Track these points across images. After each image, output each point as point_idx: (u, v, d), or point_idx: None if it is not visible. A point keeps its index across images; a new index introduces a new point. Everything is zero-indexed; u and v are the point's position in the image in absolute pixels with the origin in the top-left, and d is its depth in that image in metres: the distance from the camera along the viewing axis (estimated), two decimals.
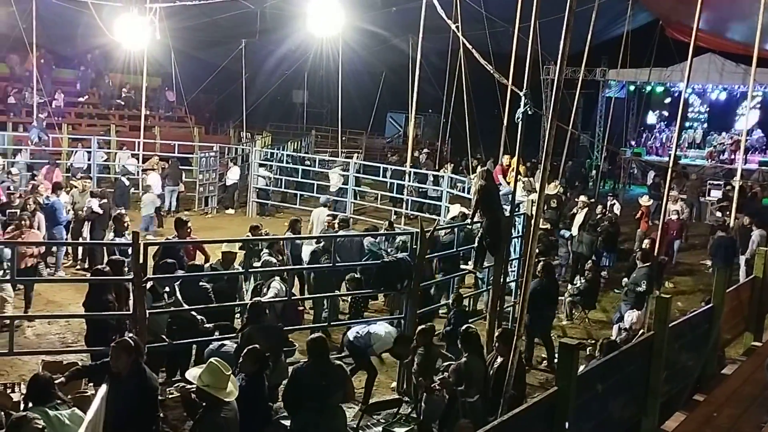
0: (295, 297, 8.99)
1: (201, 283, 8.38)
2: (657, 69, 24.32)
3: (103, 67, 25.83)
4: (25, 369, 8.02)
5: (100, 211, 12.64)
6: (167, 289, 7.88)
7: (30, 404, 4.93)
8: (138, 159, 19.35)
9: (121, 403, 5.22)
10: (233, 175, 19.47)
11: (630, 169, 26.64)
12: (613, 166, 26.13)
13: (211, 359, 5.37)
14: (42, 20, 19.56)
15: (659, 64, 24.20)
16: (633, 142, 29.45)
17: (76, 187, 13.62)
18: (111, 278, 7.79)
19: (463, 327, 7.15)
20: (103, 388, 5.31)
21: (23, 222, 10.21)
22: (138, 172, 18.73)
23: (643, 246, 12.15)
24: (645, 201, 16.45)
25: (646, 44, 22.88)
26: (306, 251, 11.07)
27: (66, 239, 12.46)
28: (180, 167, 18.52)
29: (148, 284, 7.30)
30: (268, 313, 7.66)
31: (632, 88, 29.36)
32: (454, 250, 10.38)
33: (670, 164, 11.74)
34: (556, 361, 8.93)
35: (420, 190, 18.29)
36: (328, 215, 13.33)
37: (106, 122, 24.43)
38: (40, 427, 4.14)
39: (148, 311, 7.12)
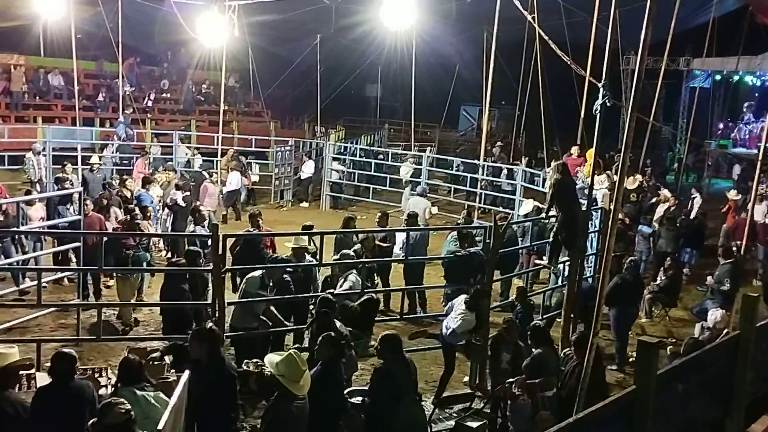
0: (368, 290, 9.04)
1: (284, 276, 8.50)
2: (746, 57, 23.22)
3: (183, 64, 26.63)
4: (111, 355, 8.40)
5: (184, 204, 13.12)
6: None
7: (119, 385, 5.21)
8: (217, 154, 19.87)
9: (201, 389, 5.38)
10: (308, 168, 19.78)
11: (714, 162, 25.58)
12: (696, 158, 25.15)
13: (291, 351, 5.45)
14: (126, 19, 20.35)
15: (748, 52, 23.10)
16: (719, 134, 28.25)
17: (158, 180, 14.13)
18: (191, 269, 8.08)
19: (531, 324, 7.06)
20: (186, 375, 5.51)
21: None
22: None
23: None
24: (733, 195, 15.71)
25: (734, 31, 21.83)
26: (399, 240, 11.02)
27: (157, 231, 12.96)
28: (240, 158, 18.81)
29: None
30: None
31: (718, 77, 28.14)
32: (518, 246, 10.22)
33: (759, 157, 11.18)
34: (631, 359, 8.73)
35: (494, 183, 18.10)
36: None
37: (186, 117, 25.22)
38: (124, 411, 4.34)
39: (227, 302, 7.35)
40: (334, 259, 9.45)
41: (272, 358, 5.44)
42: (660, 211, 13.92)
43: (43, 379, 6.50)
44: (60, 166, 15.00)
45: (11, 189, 17.34)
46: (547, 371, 6.37)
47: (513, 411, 6.94)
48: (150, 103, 24.51)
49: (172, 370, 6.72)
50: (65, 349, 5.49)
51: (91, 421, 4.35)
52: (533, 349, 6.76)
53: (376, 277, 10.22)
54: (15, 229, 9.64)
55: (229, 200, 16.69)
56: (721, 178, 24.79)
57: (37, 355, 7.58)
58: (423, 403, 7.81)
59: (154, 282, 11.06)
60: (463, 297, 8.09)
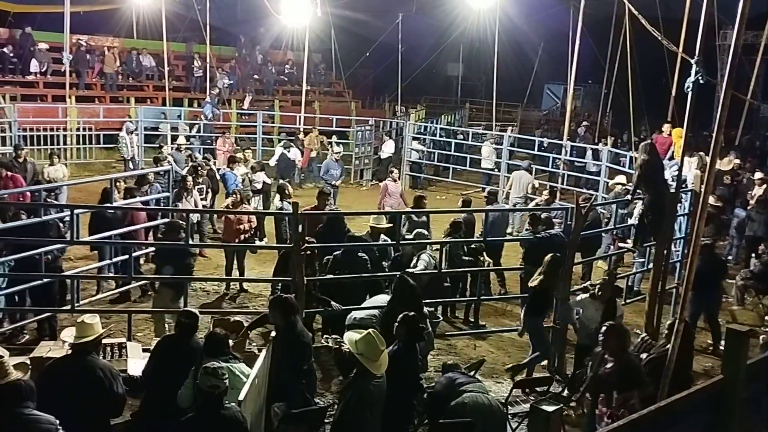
0: (443, 270, 9.02)
1: (360, 254, 8.59)
2: None
3: (268, 45, 27.07)
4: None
5: (269, 180, 13.42)
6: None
7: (204, 356, 5.42)
8: (299, 132, 20.20)
9: (278, 355, 5.73)
10: (388, 148, 19.84)
11: None
12: None
13: (370, 330, 5.53)
14: (214, 1, 20.89)
15: None
16: None
17: (242, 160, 14.44)
18: (276, 246, 8.27)
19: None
20: (269, 347, 5.81)
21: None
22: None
23: None
24: None
25: None
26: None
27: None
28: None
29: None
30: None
31: None
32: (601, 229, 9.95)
33: None
34: (721, 347, 8.38)
35: (577, 164, 17.64)
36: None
37: (269, 98, 25.72)
38: (221, 384, 4.60)
39: (306, 278, 7.49)
40: (407, 239, 9.44)
41: (352, 336, 5.52)
42: (760, 192, 13.20)
43: (133, 348, 6.87)
44: (157, 146, 15.52)
45: (106, 166, 18.28)
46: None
47: None
48: (233, 82, 24.91)
49: (253, 344, 6.97)
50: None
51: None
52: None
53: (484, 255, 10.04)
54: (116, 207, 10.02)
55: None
56: None
57: (129, 325, 7.97)
58: (500, 384, 7.81)
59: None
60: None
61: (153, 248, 9.80)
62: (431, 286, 8.72)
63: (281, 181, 13.15)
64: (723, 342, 7.57)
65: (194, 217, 11.17)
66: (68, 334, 5.75)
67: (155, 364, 5.65)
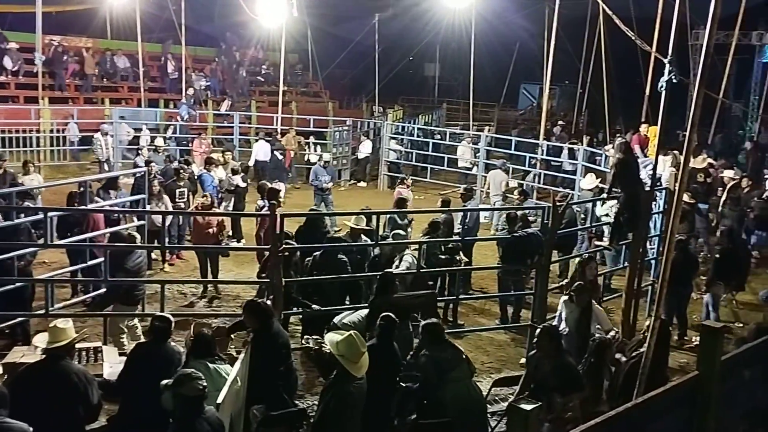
0: (424, 270, 9.03)
1: (339, 255, 8.53)
2: None
3: (242, 45, 26.84)
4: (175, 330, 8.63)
5: (244, 184, 13.37)
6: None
7: (191, 357, 5.47)
8: (276, 133, 20.09)
9: (256, 358, 5.70)
10: (365, 148, 19.82)
11: None
12: None
13: (352, 332, 5.51)
14: (188, 1, 20.69)
15: None
16: None
17: (221, 162, 14.32)
18: (254, 248, 8.21)
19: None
20: (247, 349, 5.78)
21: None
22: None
23: None
24: None
25: None
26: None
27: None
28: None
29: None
30: (398, 284, 7.78)
31: None
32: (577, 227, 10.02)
33: None
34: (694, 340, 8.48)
35: (553, 163, 17.77)
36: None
37: (245, 98, 25.52)
38: (201, 386, 4.51)
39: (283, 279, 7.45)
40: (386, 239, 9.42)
41: (333, 338, 5.50)
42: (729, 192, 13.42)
43: (109, 352, 6.79)
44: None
45: (81, 168, 18.04)
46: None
47: None
48: (209, 83, 24.72)
49: (233, 346, 6.92)
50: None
51: (165, 382, 4.53)
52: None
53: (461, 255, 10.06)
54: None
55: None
56: None
57: (104, 329, 7.86)
58: (479, 383, 7.82)
59: None
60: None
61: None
62: (415, 286, 8.70)
63: (263, 182, 13.06)
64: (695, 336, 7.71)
65: (167, 221, 10.94)
66: (41, 340, 5.64)
67: (131, 371, 5.57)
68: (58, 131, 18.53)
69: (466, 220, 10.09)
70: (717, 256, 10.34)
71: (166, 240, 9.28)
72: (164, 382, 4.57)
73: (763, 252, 13.15)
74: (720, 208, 13.29)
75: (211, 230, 10.33)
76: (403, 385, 6.18)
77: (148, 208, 10.25)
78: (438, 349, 6.06)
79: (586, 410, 5.70)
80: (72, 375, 5.06)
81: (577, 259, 9.16)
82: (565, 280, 8.82)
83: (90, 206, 9.36)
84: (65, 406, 4.98)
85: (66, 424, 5.01)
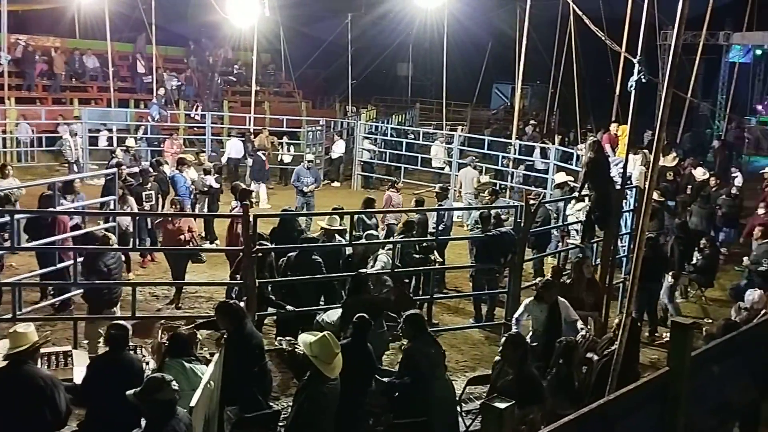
0: (399, 269, 9.03)
1: (313, 256, 8.47)
2: None
3: (214, 45, 26.58)
4: (144, 334, 8.50)
5: (217, 185, 13.26)
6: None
7: (168, 356, 5.44)
8: (250, 134, 19.95)
9: (229, 359, 5.61)
10: (339, 148, 19.77)
11: (754, 140, 24.96)
12: (736, 136, 24.54)
13: (325, 333, 5.49)
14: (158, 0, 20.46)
15: None
16: (761, 109, 27.52)
17: (194, 162, 14.16)
18: (226, 249, 8.14)
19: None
20: (221, 351, 5.71)
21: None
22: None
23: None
24: None
25: None
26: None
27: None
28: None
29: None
30: (372, 285, 7.78)
31: (759, 52, 27.40)
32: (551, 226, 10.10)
33: None
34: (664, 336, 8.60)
35: (526, 162, 17.90)
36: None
37: (218, 104, 25.27)
38: (174, 390, 4.45)
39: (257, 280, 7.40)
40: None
41: (306, 339, 5.49)
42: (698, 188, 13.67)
43: (79, 356, 6.68)
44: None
45: (50, 170, 17.74)
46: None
47: None
48: (182, 83, 24.46)
49: (205, 349, 6.87)
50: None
51: (134, 391, 4.44)
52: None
53: (435, 254, 10.07)
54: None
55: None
56: (762, 156, 24.18)
57: (74, 332, 7.74)
58: (454, 381, 7.84)
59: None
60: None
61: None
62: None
63: (236, 182, 12.96)
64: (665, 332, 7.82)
65: (130, 224, 10.47)
66: (2, 346, 5.52)
67: (92, 382, 5.41)
68: (26, 131, 18.23)
69: (444, 220, 10.12)
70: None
71: (136, 243, 9.16)
72: (131, 392, 4.45)
73: (731, 249, 13.39)
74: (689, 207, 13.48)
75: (182, 236, 10.17)
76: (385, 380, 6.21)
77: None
78: (424, 343, 6.12)
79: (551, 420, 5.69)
80: (37, 379, 4.97)
81: (574, 260, 9.19)
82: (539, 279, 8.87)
83: (58, 209, 9.19)
84: (31, 412, 4.89)
85: (33, 430, 4.92)
